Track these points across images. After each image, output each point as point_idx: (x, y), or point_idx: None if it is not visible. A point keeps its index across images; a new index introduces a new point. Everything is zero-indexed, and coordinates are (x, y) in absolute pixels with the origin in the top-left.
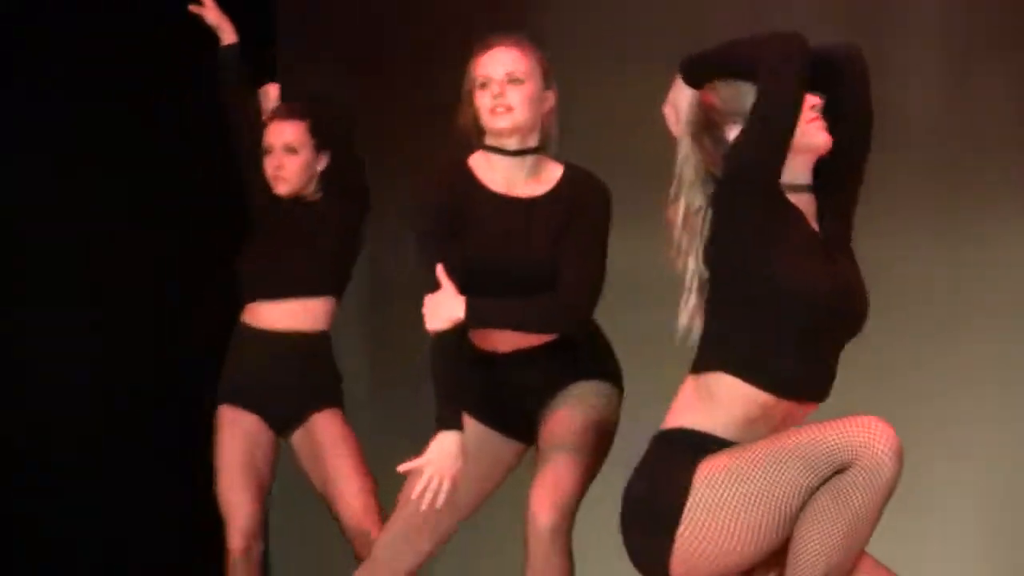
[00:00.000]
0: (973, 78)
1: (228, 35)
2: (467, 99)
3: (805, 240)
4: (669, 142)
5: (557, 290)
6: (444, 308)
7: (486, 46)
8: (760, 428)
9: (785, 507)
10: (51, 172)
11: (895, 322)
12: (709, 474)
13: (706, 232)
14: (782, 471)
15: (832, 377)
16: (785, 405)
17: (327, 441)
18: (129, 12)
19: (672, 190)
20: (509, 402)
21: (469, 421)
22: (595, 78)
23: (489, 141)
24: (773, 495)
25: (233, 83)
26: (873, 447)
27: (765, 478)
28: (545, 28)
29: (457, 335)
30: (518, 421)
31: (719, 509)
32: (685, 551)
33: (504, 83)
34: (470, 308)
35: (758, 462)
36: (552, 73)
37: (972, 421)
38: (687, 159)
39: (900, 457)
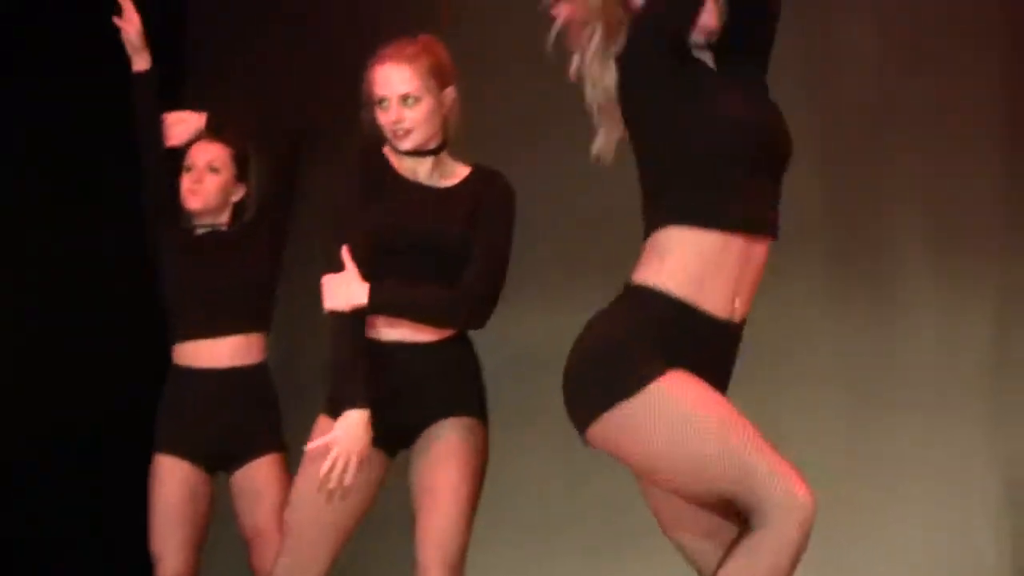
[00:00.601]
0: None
1: (143, 61)
2: (367, 105)
3: (720, 81)
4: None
5: (463, 284)
6: (346, 290)
7: (379, 59)
8: (718, 278)
9: (700, 478)
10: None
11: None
12: (670, 391)
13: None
14: (723, 451)
15: (774, 210)
16: (736, 243)
17: (263, 492)
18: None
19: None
20: (381, 407)
21: (331, 423)
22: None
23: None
24: (701, 461)
25: (148, 112)
26: (786, 519)
27: (707, 442)
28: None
29: (357, 315)
30: (386, 429)
31: (658, 423)
32: (608, 428)
33: (399, 106)
34: (373, 293)
35: (712, 424)
36: (451, 68)
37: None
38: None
39: (808, 529)
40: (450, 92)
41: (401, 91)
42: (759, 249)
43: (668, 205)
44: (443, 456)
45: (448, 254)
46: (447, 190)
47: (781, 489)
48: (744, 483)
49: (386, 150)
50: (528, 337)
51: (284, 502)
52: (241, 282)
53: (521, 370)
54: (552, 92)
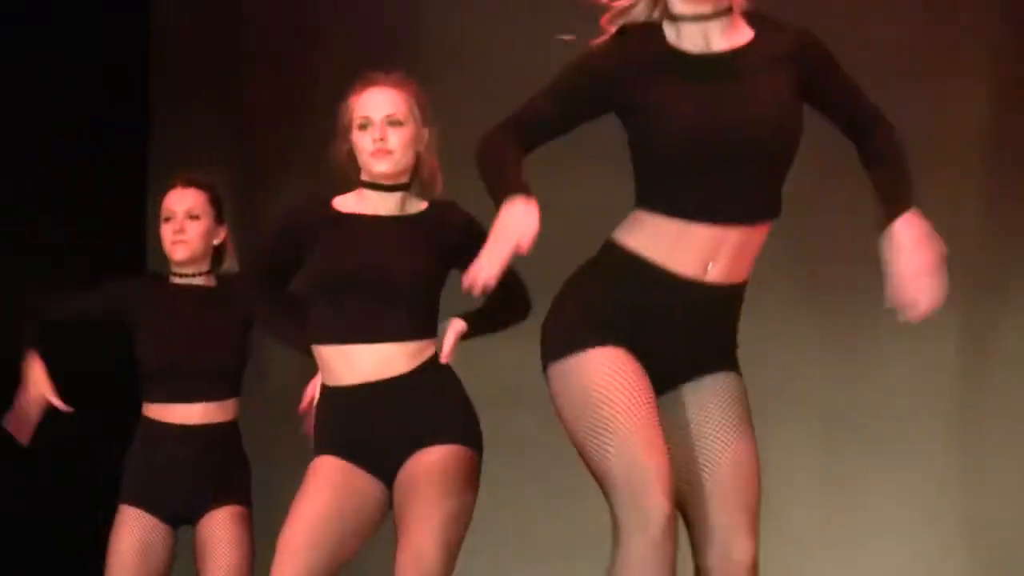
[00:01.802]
0: None
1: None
2: (344, 134)
3: (684, 89)
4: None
5: (510, 283)
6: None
7: (365, 83)
8: (686, 252)
9: (586, 459)
10: None
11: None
12: (588, 363)
13: None
14: (598, 440)
15: (748, 198)
16: (698, 229)
17: (221, 541)
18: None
19: None
20: (369, 439)
21: (331, 458)
22: None
23: (365, 177)
24: (583, 444)
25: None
26: (626, 534)
27: (592, 427)
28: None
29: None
30: (378, 459)
31: (569, 390)
32: (551, 380)
33: (384, 125)
34: (470, 324)
35: (603, 411)
36: (429, 110)
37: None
38: None
39: (652, 540)
40: (427, 131)
41: (388, 112)
42: (734, 234)
43: (638, 192)
44: (415, 485)
45: (399, 290)
46: (404, 218)
47: (625, 502)
48: (604, 482)
49: (335, 202)
50: (502, 369)
51: (235, 562)
52: (216, 351)
53: (496, 402)
54: None
